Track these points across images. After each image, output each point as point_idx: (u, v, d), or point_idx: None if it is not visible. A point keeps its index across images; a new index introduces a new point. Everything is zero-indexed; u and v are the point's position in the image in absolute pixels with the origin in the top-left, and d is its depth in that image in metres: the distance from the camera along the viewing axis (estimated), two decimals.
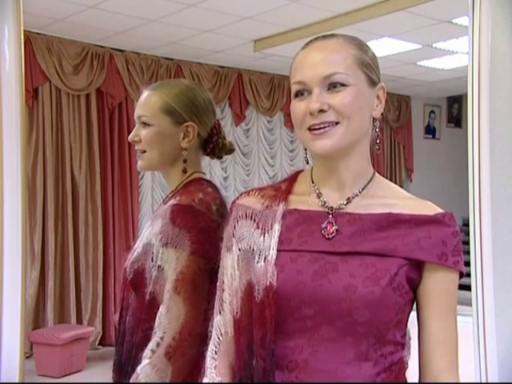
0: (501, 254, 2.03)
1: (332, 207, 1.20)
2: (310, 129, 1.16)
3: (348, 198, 1.21)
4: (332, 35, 1.21)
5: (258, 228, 1.21)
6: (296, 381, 1.12)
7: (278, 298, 1.13)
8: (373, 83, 1.20)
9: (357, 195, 1.21)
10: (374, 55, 1.23)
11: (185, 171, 1.64)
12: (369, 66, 1.19)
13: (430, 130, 9.86)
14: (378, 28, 5.66)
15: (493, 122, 2.04)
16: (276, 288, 1.13)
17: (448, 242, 1.16)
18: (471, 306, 2.07)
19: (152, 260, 1.52)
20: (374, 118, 1.21)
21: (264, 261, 1.16)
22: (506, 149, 2.05)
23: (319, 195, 1.22)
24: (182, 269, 1.46)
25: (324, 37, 1.21)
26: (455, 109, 10.00)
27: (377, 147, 1.24)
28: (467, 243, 2.15)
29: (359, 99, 1.16)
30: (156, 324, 1.45)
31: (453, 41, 6.22)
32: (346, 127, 1.15)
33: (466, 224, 2.34)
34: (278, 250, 1.17)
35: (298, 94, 1.18)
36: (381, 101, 1.22)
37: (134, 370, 1.46)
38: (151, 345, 1.44)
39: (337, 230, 1.17)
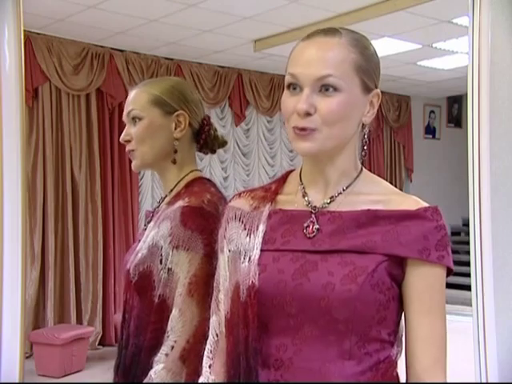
0: (501, 254, 2.03)
1: (316, 206, 1.20)
2: (294, 127, 1.16)
3: (331, 197, 1.21)
4: (335, 31, 1.17)
5: (245, 229, 1.22)
6: (281, 379, 1.12)
7: (260, 298, 1.13)
8: (367, 89, 1.18)
9: (340, 193, 1.21)
10: (377, 60, 1.21)
11: (174, 162, 1.62)
12: (367, 72, 1.17)
13: (430, 130, 9.86)
14: (378, 28, 5.66)
15: (493, 122, 2.05)
16: (258, 287, 1.13)
17: (430, 236, 1.14)
18: (471, 305, 2.07)
19: (161, 262, 1.50)
20: (366, 125, 1.21)
21: (248, 261, 1.17)
22: (505, 149, 2.06)
23: (305, 195, 1.23)
24: (195, 271, 1.45)
25: (327, 32, 1.18)
26: (455, 109, 10.00)
27: (363, 153, 1.24)
28: (467, 243, 2.15)
29: (347, 107, 1.14)
30: (169, 328, 1.44)
31: (453, 41, 6.22)
32: (327, 134, 1.14)
33: (466, 224, 2.34)
34: (261, 250, 1.17)
35: (291, 86, 1.17)
36: (373, 107, 1.20)
37: (143, 372, 1.45)
38: (165, 349, 1.43)
39: (318, 229, 1.17)
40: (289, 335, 1.13)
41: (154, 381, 1.41)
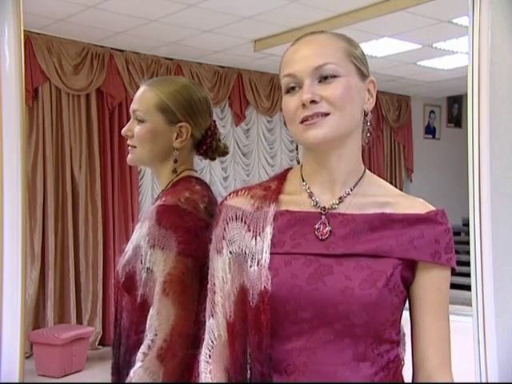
0: (501, 253, 2.03)
1: (324, 207, 1.19)
2: (302, 121, 1.14)
3: (340, 198, 1.20)
4: (321, 31, 1.22)
5: (250, 230, 1.19)
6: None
7: (273, 303, 1.11)
8: (363, 75, 1.19)
9: (348, 194, 1.20)
10: (362, 51, 1.24)
11: (175, 171, 1.62)
12: (358, 59, 1.19)
13: (430, 130, 9.86)
14: (378, 28, 5.66)
15: (493, 122, 2.05)
16: (271, 292, 1.11)
17: (441, 239, 1.16)
18: (471, 305, 2.07)
19: (141, 262, 1.50)
20: (365, 113, 1.21)
21: (257, 265, 1.14)
22: (505, 149, 2.06)
23: (310, 195, 1.21)
24: (169, 270, 1.45)
25: (313, 33, 1.22)
26: (455, 109, 10.01)
27: (366, 141, 1.23)
28: (467, 243, 2.15)
29: (351, 91, 1.15)
30: (147, 327, 1.44)
31: (453, 41, 6.22)
32: (339, 118, 1.14)
33: (466, 224, 2.34)
34: (270, 253, 1.15)
35: (289, 89, 1.17)
36: (372, 95, 1.21)
37: (128, 373, 1.45)
38: (143, 348, 1.43)
39: (330, 231, 1.16)
40: (302, 339, 1.12)
41: (133, 379, 1.41)
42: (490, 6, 2.02)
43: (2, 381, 2.19)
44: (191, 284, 1.44)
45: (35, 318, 5.77)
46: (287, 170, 1.30)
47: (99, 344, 6.05)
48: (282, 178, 1.27)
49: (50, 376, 5.14)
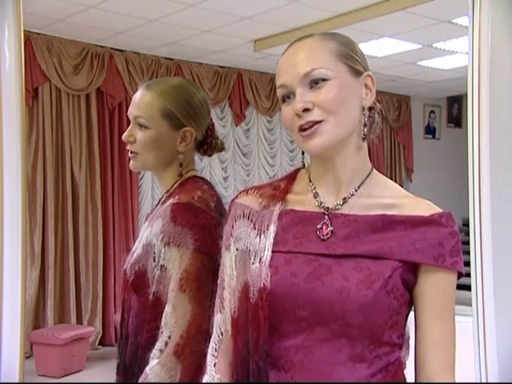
0: (501, 254, 2.03)
1: (328, 208, 1.19)
2: (300, 130, 1.15)
3: (344, 198, 1.20)
4: (310, 34, 1.21)
5: (255, 228, 1.21)
6: (292, 381, 1.12)
7: (272, 300, 1.12)
8: (357, 73, 1.18)
9: (353, 195, 1.20)
10: (356, 47, 1.22)
11: (181, 175, 1.64)
12: (349, 57, 1.18)
13: (430, 130, 9.86)
14: (378, 28, 5.66)
15: (493, 122, 2.04)
16: (270, 290, 1.13)
17: (445, 242, 1.15)
18: (471, 305, 2.07)
19: (154, 260, 1.51)
20: (365, 108, 1.19)
21: (259, 262, 1.16)
22: (506, 149, 2.06)
23: (316, 195, 1.21)
24: (186, 267, 1.46)
25: (301, 38, 1.22)
26: (455, 109, 10.01)
27: (363, 135, 1.20)
28: (467, 243, 2.15)
29: (344, 91, 1.15)
30: (163, 323, 1.46)
31: (453, 41, 6.22)
32: (334, 122, 1.14)
33: (466, 224, 2.33)
34: (273, 252, 1.16)
35: (285, 98, 1.18)
36: (370, 89, 1.20)
37: (140, 370, 1.46)
38: (159, 344, 1.44)
39: (332, 232, 1.16)
40: (300, 337, 1.12)
41: (149, 376, 1.42)
42: (490, 6, 2.02)
43: (2, 381, 2.19)
44: (207, 281, 1.46)
45: (35, 318, 5.77)
46: (297, 170, 1.31)
47: (99, 344, 6.05)
48: (291, 177, 1.29)
49: (49, 376, 5.14)
